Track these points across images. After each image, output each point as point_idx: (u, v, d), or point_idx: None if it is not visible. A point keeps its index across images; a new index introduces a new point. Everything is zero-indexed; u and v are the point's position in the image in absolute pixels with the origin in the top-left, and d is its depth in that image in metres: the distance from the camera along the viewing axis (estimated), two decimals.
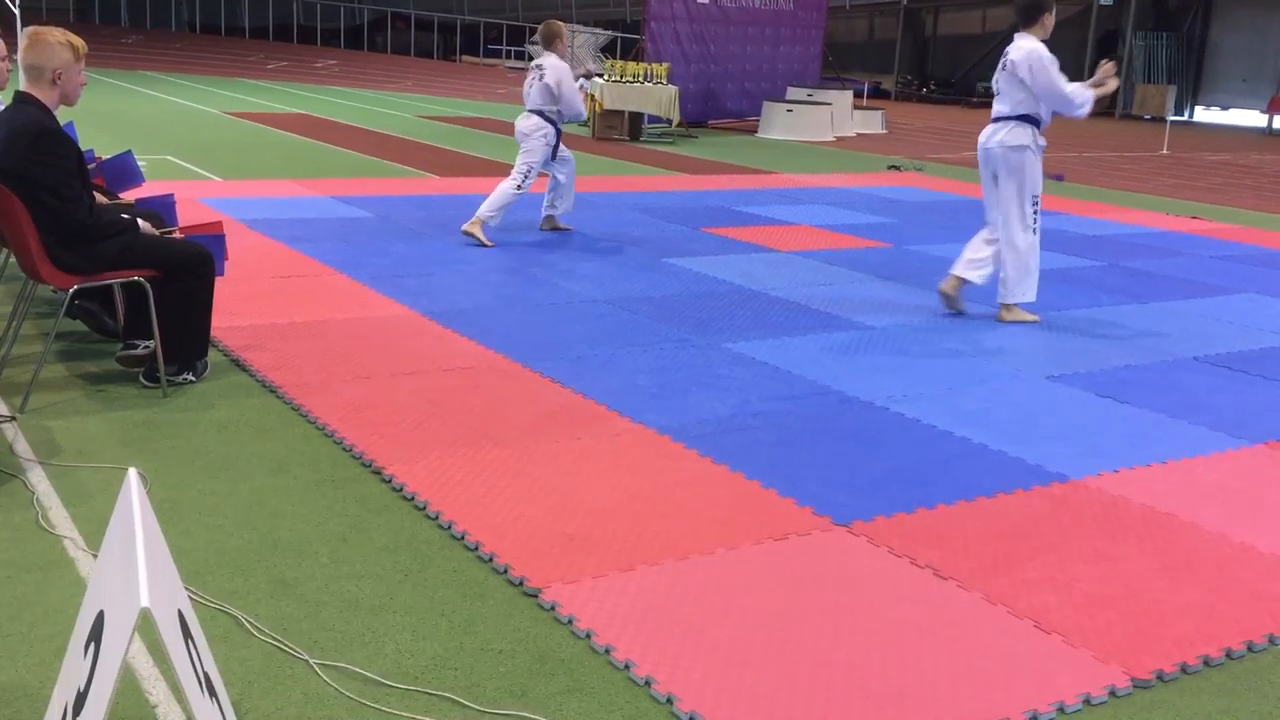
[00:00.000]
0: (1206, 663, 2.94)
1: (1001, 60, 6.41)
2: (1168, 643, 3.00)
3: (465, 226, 7.95)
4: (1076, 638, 3.00)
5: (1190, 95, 28.47)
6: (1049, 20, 6.34)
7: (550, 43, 8.32)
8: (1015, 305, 6.50)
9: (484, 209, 7.99)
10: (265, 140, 13.70)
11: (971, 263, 6.52)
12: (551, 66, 8.15)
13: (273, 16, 42.86)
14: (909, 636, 2.97)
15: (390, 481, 3.80)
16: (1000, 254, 6.45)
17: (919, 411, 4.79)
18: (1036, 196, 6.40)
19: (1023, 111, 6.32)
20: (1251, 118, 26.90)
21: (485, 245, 7.84)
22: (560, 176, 8.54)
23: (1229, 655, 2.98)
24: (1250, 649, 3.02)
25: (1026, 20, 6.33)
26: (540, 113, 8.22)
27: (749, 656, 2.83)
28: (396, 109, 19.17)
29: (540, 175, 8.41)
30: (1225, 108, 28.13)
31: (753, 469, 4.05)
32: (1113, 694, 2.77)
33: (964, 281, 6.52)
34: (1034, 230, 6.41)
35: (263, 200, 9.14)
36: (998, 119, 6.41)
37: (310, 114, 17.34)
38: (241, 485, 3.73)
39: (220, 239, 5.01)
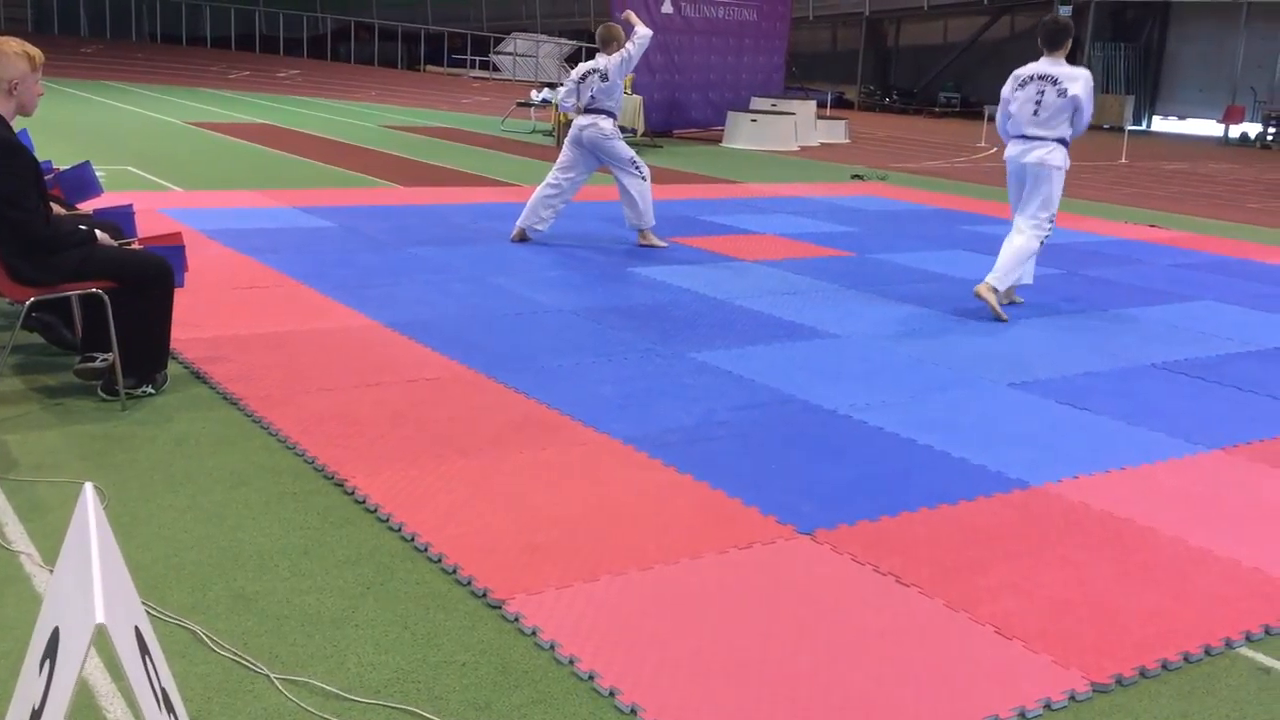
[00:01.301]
0: (1165, 667, 2.97)
1: (1036, 81, 6.76)
2: (1127, 647, 3.04)
3: (639, 241, 8.66)
4: (1037, 643, 3.03)
5: (1148, 105, 28.86)
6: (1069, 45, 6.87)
7: (608, 45, 8.57)
8: (997, 290, 6.80)
9: (641, 219, 8.58)
10: (227, 150, 13.61)
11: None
12: (604, 65, 8.47)
13: (235, 26, 42.60)
14: (872, 644, 2.98)
15: (353, 494, 3.78)
16: (1006, 247, 6.87)
17: (882, 420, 4.82)
18: (1054, 213, 6.90)
19: (1061, 134, 6.79)
20: (1208, 127, 27.30)
21: (662, 246, 8.59)
22: (632, 183, 8.68)
23: (1187, 659, 3.01)
24: (1208, 653, 3.06)
25: (1055, 45, 6.81)
26: (607, 112, 8.52)
27: (713, 666, 2.83)
28: (360, 119, 19.09)
29: (544, 185, 8.67)
30: (1182, 117, 28.53)
31: (717, 478, 4.06)
32: (1073, 698, 2.80)
33: (1009, 289, 6.98)
34: (1041, 240, 6.89)
35: (224, 211, 9.07)
36: (1034, 138, 6.79)
37: (273, 124, 17.23)
38: (201, 499, 3.69)
39: (180, 250, 4.97)
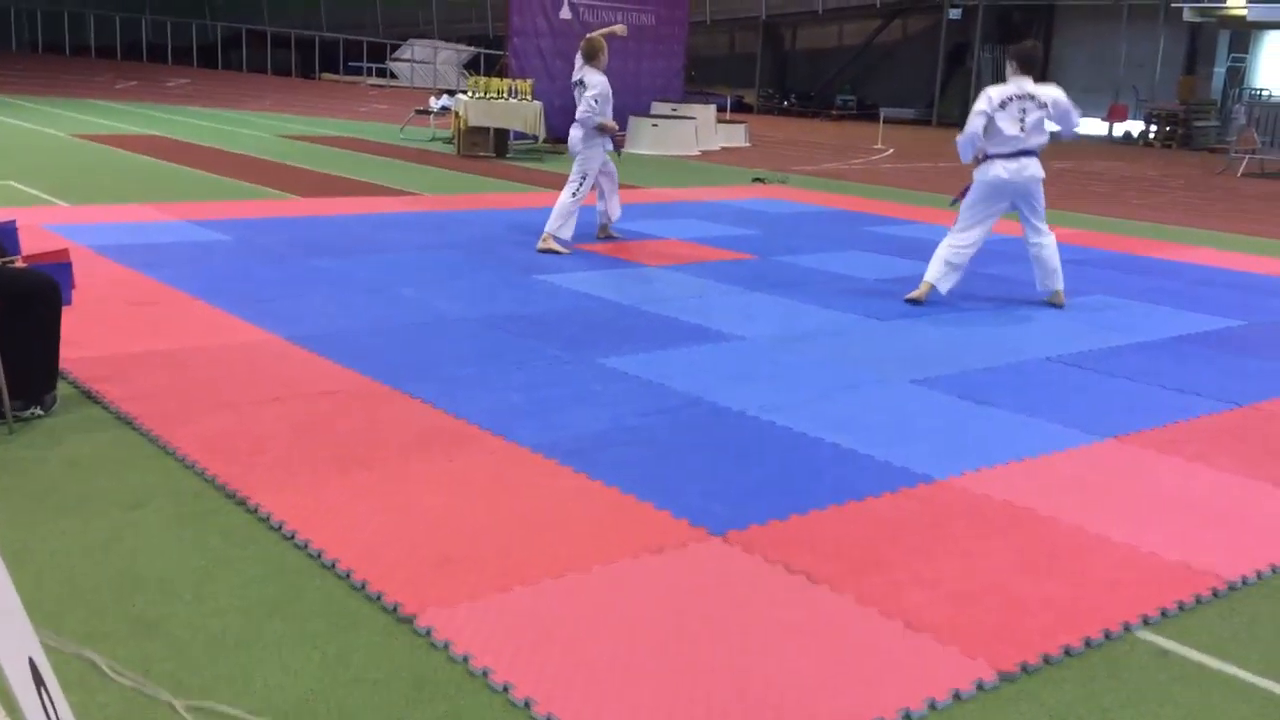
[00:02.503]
0: (1068, 652, 3.05)
1: (1017, 101, 7.17)
2: (1031, 635, 3.11)
3: (540, 245, 8.62)
4: (945, 634, 3.09)
5: None
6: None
7: (592, 58, 8.78)
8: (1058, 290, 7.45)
9: (550, 224, 8.65)
10: (115, 163, 13.22)
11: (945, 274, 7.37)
12: (592, 83, 8.69)
13: (121, 35, 41.39)
14: (784, 642, 3.01)
15: (256, 512, 3.69)
16: (1042, 254, 7.41)
17: (790, 419, 4.87)
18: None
19: (1040, 144, 7.27)
20: (1094, 126, 28.18)
21: (563, 253, 8.55)
22: (605, 185, 9.08)
23: (1088, 644, 3.10)
24: (1108, 637, 3.15)
25: (1028, 67, 7.26)
26: (580, 124, 8.81)
27: (628, 671, 2.83)
28: (255, 129, 18.71)
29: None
30: None
31: (628, 483, 4.06)
32: (980, 688, 2.85)
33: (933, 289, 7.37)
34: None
35: (113, 226, 8.80)
36: (1024, 153, 7.21)
37: (163, 135, 16.78)
38: (97, 523, 3.57)
39: (67, 267, 4.80)
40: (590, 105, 8.70)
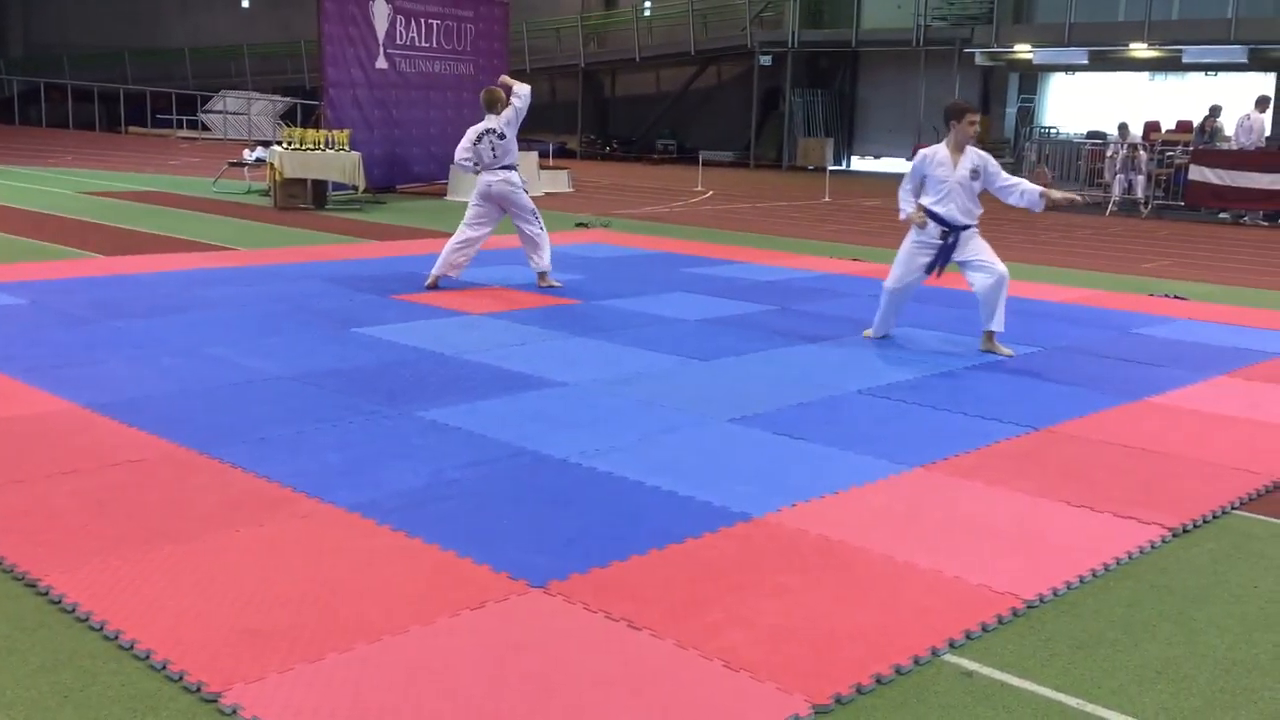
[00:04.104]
0: (879, 681, 3.14)
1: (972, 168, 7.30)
2: (843, 666, 3.19)
3: (540, 284, 9.41)
4: (762, 672, 3.14)
5: (846, 146, 30.88)
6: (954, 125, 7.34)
7: (494, 106, 9.34)
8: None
9: (543, 262, 9.41)
10: None
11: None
12: (501, 127, 9.24)
13: None
14: (606, 692, 3.00)
15: (47, 594, 3.48)
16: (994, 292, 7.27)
17: (611, 464, 4.89)
18: None
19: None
20: (899, 164, 29.50)
21: (558, 286, 9.41)
22: (534, 231, 9.47)
23: (899, 671, 3.19)
24: (916, 662, 3.25)
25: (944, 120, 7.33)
26: (510, 166, 9.36)
27: None
28: (55, 185, 17.85)
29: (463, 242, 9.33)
30: (877, 156, 30.66)
31: (448, 539, 4.00)
32: None
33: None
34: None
35: None
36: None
37: None
38: None
39: None
40: (518, 110, 9.34)
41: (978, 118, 7.38)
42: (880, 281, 10.06)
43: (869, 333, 7.77)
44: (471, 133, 9.38)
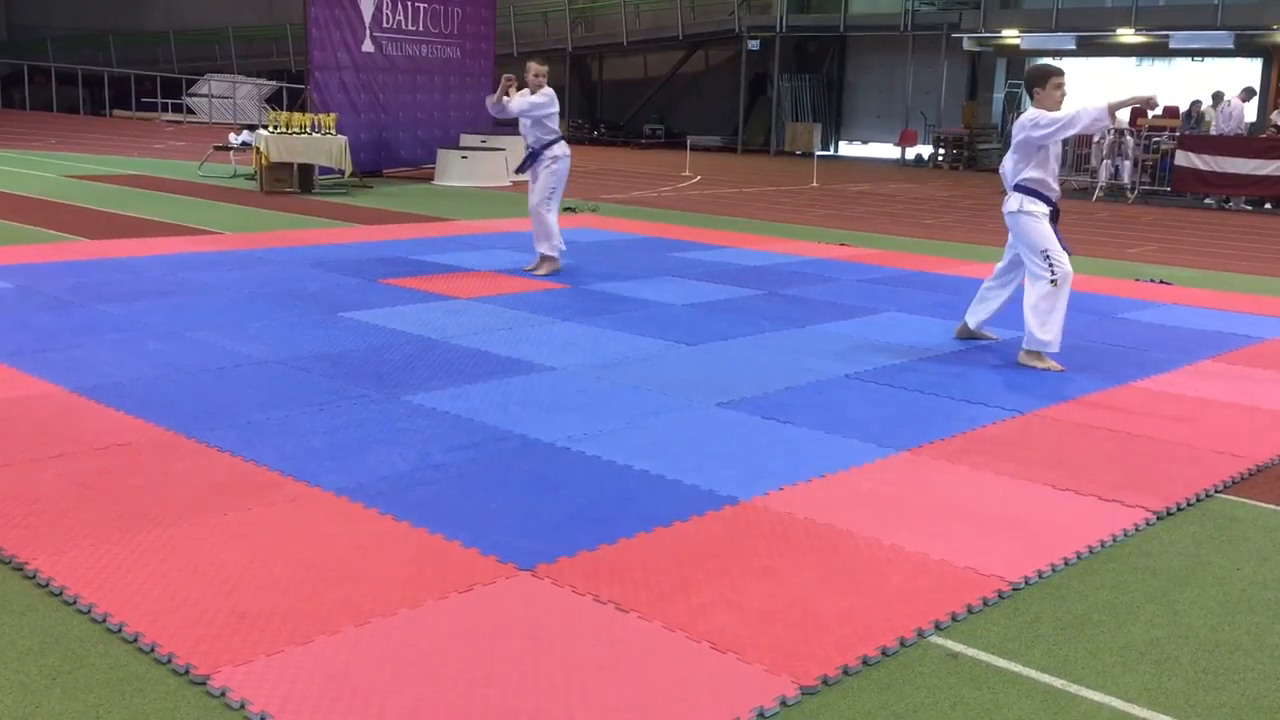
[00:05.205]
0: (865, 662, 3.15)
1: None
2: (830, 648, 3.20)
3: (537, 272, 9.41)
4: (750, 653, 3.15)
5: (834, 131, 30.86)
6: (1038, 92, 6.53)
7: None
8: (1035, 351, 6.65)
9: (551, 246, 9.43)
10: None
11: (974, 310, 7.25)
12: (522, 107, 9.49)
13: None
14: (593, 674, 3.01)
15: (34, 577, 3.48)
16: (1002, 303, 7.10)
17: (599, 448, 4.90)
18: (1045, 253, 6.52)
19: (1018, 179, 6.62)
20: (887, 150, 29.49)
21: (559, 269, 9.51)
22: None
23: (884, 653, 3.21)
24: (903, 644, 3.27)
25: (1028, 89, 6.64)
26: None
27: (435, 717, 2.78)
28: (39, 169, 17.73)
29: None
30: (865, 141, 30.66)
31: (435, 523, 4.00)
32: (783, 704, 2.92)
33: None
34: (1049, 282, 6.50)
35: None
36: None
37: None
38: None
39: None
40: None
41: (1063, 79, 6.51)
42: (872, 267, 10.07)
43: (1051, 336, 6.56)
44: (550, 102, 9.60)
